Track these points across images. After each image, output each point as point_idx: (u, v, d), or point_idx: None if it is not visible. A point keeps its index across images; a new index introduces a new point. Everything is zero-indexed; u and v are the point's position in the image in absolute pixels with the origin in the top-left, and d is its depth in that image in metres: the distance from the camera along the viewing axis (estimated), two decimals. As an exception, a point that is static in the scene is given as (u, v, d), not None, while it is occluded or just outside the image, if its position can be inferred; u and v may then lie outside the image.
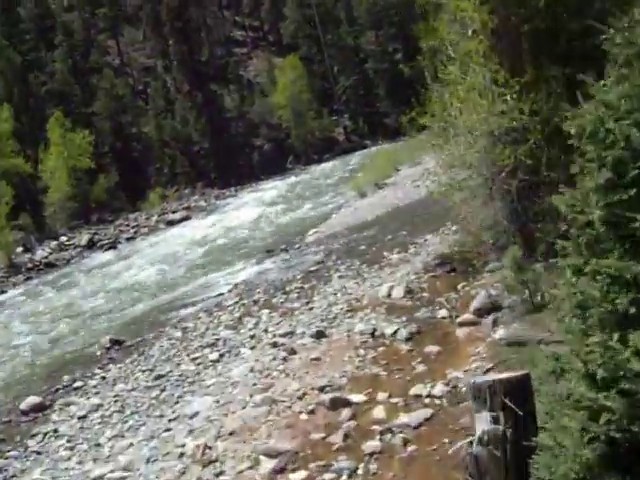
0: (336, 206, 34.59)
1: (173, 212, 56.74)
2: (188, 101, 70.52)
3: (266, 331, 16.47)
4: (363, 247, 23.30)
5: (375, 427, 10.13)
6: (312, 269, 21.93)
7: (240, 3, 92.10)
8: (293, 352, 14.45)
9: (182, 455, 10.93)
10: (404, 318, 14.83)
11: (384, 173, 35.74)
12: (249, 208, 44.55)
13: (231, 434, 11.14)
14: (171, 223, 50.41)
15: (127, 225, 54.43)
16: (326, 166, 62.78)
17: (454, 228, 19.77)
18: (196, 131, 70.19)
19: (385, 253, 21.43)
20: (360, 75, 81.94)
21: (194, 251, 33.20)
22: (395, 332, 14.06)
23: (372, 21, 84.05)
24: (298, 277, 21.21)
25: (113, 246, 44.91)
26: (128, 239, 47.02)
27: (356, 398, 11.36)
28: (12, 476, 12.46)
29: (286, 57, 75.13)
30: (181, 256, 32.92)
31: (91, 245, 46.68)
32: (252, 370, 13.95)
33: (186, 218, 50.63)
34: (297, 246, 26.69)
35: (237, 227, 37.41)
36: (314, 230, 28.54)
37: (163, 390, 14.69)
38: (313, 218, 33.24)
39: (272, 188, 55.12)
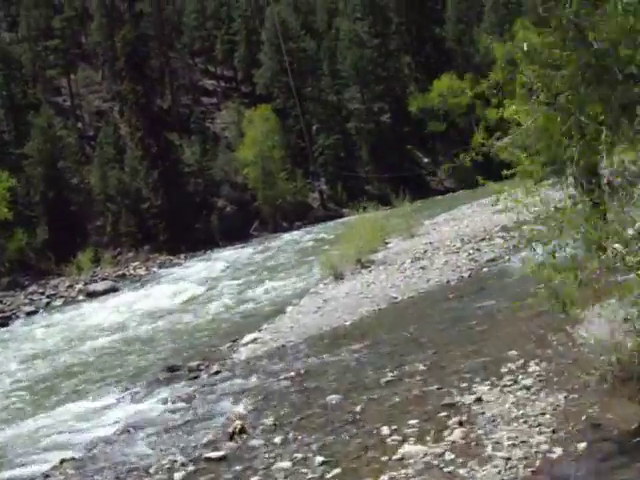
0: (300, 291, 24.16)
1: (103, 279, 46.25)
2: (140, 150, 60.09)
3: None
4: (335, 399, 11.85)
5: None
6: (212, 454, 10.71)
7: (213, 48, 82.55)
8: None
9: None
10: None
11: (369, 246, 25.66)
12: (189, 283, 34.08)
13: None
14: (92, 295, 39.81)
15: (42, 293, 43.73)
16: (296, 235, 52.70)
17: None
18: (147, 185, 59.73)
19: (385, 431, 9.91)
20: (341, 135, 72.39)
21: (78, 348, 22.51)
22: None
23: (357, 76, 74.87)
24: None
25: (2, 323, 33.95)
26: (29, 313, 36.19)
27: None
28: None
29: (257, 106, 65.40)
30: (55, 355, 22.18)
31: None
32: None
33: (112, 290, 40.05)
34: (215, 369, 15.82)
35: (159, 311, 26.95)
36: (253, 336, 17.80)
37: None
38: (263, 308, 22.87)
39: (228, 258, 44.82)
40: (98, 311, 31.35)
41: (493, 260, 20.33)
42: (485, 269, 19.38)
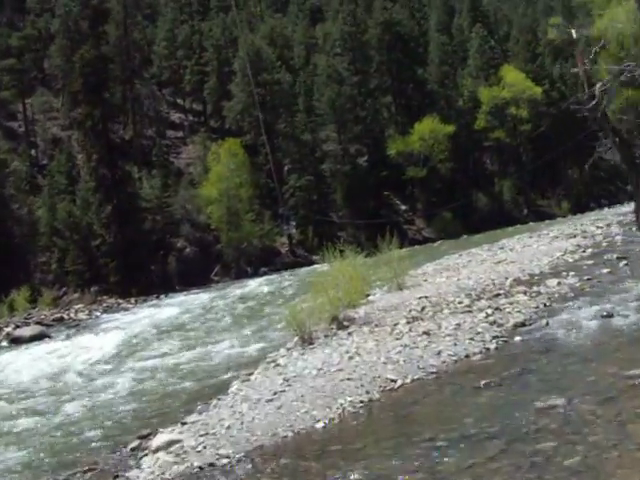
0: (254, 356, 18.54)
1: (37, 323, 40.44)
2: (93, 180, 54.42)
3: None
4: None
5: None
6: None
7: (182, 80, 77.40)
8: None
9: None
10: None
11: (347, 299, 20.25)
12: (124, 335, 28.29)
13: None
14: (17, 341, 33.96)
15: (-38, 336, 37.60)
16: (261, 283, 47.08)
17: None
18: (99, 220, 53.92)
19: None
20: (314, 176, 67.23)
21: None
22: None
23: (334, 114, 69.92)
24: None
25: None
26: None
27: None
28: None
29: (225, 140, 60.09)
30: None
31: None
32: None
33: (41, 336, 34.14)
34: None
35: (70, 374, 21.16)
36: (169, 437, 11.66)
37: None
38: (200, 380, 17.14)
39: (180, 305, 39.14)
40: (10, 364, 25.48)
41: (523, 324, 14.95)
42: (517, 338, 13.93)
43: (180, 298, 44.52)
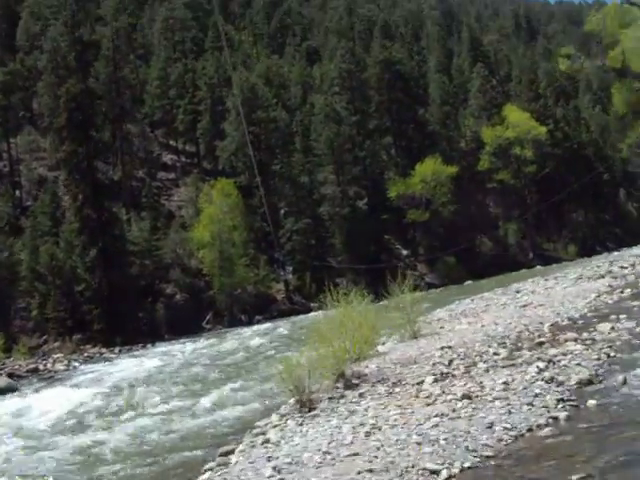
0: (240, 424, 15.05)
1: (9, 374, 37.02)
2: (77, 221, 51.16)
3: None
4: None
5: None
6: None
7: (174, 120, 74.55)
8: None
9: None
10: None
11: (356, 350, 16.80)
12: (95, 390, 24.85)
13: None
14: (-18, 394, 30.39)
15: None
16: (256, 332, 43.82)
17: None
18: (83, 264, 50.55)
19: None
20: (312, 219, 64.02)
21: None
22: None
23: (333, 155, 67.00)
24: None
25: None
26: None
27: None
28: None
29: (217, 181, 57.02)
30: None
31: None
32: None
33: (8, 390, 30.74)
34: None
35: (16, 440, 17.76)
36: None
37: None
38: (168, 458, 13.74)
39: (165, 355, 35.94)
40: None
41: (590, 382, 11.52)
42: (591, 402, 10.45)
43: (167, 348, 41.15)
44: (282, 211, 66.27)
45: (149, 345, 45.85)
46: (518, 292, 29.51)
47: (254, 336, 39.02)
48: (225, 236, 54.61)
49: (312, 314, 54.97)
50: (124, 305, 50.27)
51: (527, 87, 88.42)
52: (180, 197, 67.57)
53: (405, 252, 73.20)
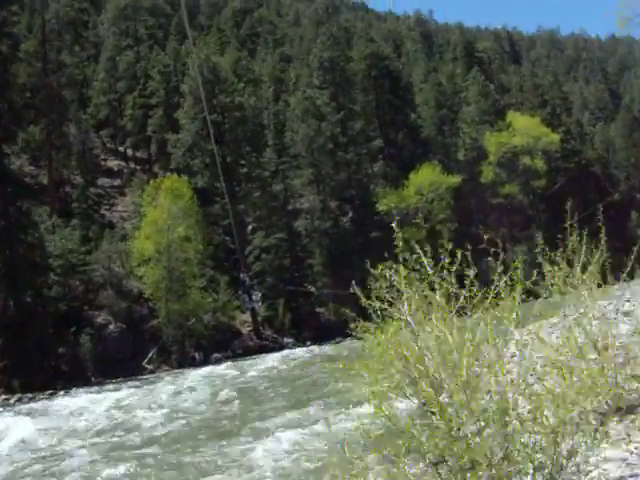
0: None
1: None
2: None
3: None
4: None
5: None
6: None
7: (121, 116, 62.25)
8: None
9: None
10: None
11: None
12: None
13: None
14: None
15: None
16: (214, 375, 31.84)
17: None
18: (-14, 284, 37.81)
19: None
20: (286, 235, 51.77)
21: None
22: None
23: (312, 156, 54.94)
24: None
25: None
26: None
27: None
28: None
29: (166, 177, 44.40)
30: None
31: None
32: None
33: None
34: None
35: None
36: None
37: None
38: None
39: (69, 410, 23.98)
40: None
41: None
42: None
43: (82, 398, 28.79)
44: (250, 225, 54.12)
45: (62, 392, 33.27)
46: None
47: (209, 383, 27.02)
48: (175, 250, 42.16)
49: (287, 352, 42.78)
50: (37, 336, 37.61)
51: (532, 93, 77.39)
52: (125, 207, 55.03)
53: (397, 278, 60.87)
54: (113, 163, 63.83)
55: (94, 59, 70.46)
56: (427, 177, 59.98)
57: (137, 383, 33.78)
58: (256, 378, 28.06)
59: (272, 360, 35.05)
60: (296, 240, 53.28)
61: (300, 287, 49.22)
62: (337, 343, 46.00)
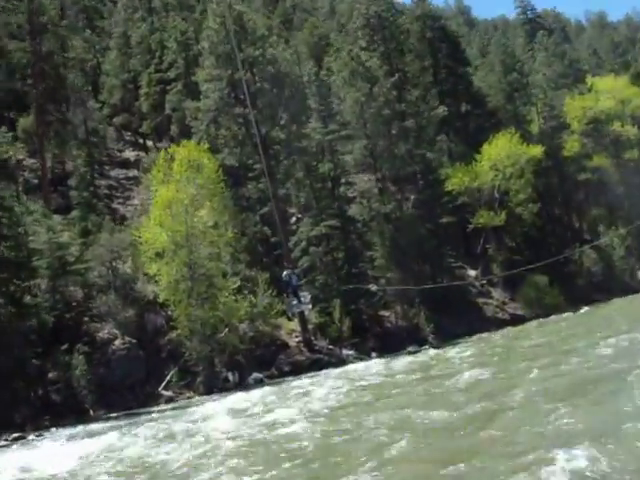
0: None
1: None
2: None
3: None
4: None
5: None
6: None
7: (137, 98, 52.95)
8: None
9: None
10: None
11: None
12: None
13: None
14: None
15: None
16: (252, 404, 22.05)
17: None
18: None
19: None
20: (339, 223, 41.76)
21: None
22: None
23: (363, 127, 44.99)
24: None
25: None
26: None
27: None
28: None
29: (181, 145, 34.32)
30: None
31: None
32: None
33: None
34: None
35: None
36: None
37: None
38: None
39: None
40: None
41: None
42: None
43: (55, 444, 19.17)
44: (292, 211, 44.37)
45: (34, 434, 23.75)
46: None
47: (252, 416, 17.49)
48: (197, 241, 32.28)
49: (349, 367, 32.65)
50: (16, 358, 28.07)
51: (611, 53, 66.43)
52: (143, 200, 45.41)
53: (472, 272, 50.61)
54: (131, 154, 54.44)
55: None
56: (503, 149, 49.60)
57: (149, 418, 24.01)
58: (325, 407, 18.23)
59: (334, 379, 25.15)
60: (351, 228, 43.08)
61: (359, 285, 39.15)
62: (411, 354, 36.04)
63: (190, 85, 47.92)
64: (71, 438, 20.67)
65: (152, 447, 16.47)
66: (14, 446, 21.43)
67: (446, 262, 47.62)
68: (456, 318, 42.91)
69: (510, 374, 18.78)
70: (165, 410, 26.74)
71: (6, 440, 23.30)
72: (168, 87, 49.90)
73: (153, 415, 24.92)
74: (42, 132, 42.92)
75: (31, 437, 23.35)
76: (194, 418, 21.12)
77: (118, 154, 54.32)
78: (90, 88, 55.55)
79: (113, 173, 50.42)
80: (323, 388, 22.31)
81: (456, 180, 48.72)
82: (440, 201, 48.02)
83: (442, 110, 50.77)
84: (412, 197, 47.97)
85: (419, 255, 45.00)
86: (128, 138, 58.24)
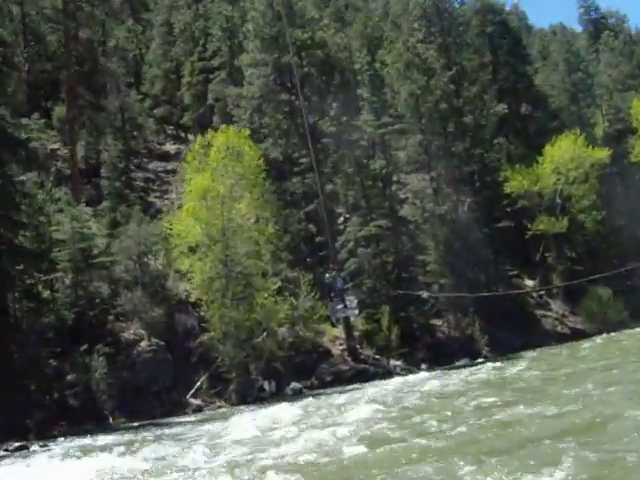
0: None
1: None
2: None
3: None
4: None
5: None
6: None
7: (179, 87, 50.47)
8: None
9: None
10: None
11: None
12: None
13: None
14: None
15: None
16: (300, 412, 18.92)
17: None
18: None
19: None
20: (390, 223, 38.64)
21: None
22: None
23: (417, 122, 42.04)
24: None
25: None
26: None
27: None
28: None
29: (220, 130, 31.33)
30: None
31: None
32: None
33: None
34: None
35: None
36: None
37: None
38: None
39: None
40: None
41: None
42: None
43: (57, 457, 16.47)
44: (339, 210, 41.40)
45: (51, 443, 21.01)
46: None
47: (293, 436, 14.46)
48: (235, 236, 29.34)
49: (398, 379, 29.49)
50: (29, 358, 25.41)
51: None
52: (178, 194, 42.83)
53: (530, 282, 47.12)
54: (171, 147, 51.95)
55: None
56: (567, 151, 46.09)
57: (173, 432, 21.01)
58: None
59: (388, 393, 22.02)
60: (402, 230, 39.93)
61: (410, 291, 35.96)
62: (464, 367, 32.79)
63: (234, 74, 45.23)
64: (76, 451, 17.75)
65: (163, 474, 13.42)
66: (10, 458, 18.59)
67: (502, 270, 44.18)
68: (512, 330, 39.54)
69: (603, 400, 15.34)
70: (192, 422, 23.74)
71: (6, 450, 20.47)
72: (211, 76, 47.22)
73: (178, 429, 21.92)
74: (73, 116, 40.44)
75: (34, 447, 20.49)
76: (225, 433, 18.14)
77: (158, 147, 51.93)
78: (132, 80, 53.83)
79: (151, 166, 48.01)
80: (375, 404, 19.13)
81: (515, 183, 45.26)
82: (498, 204, 44.62)
83: (502, 108, 47.43)
84: (468, 199, 44.70)
85: (474, 261, 41.65)
86: (170, 132, 55.82)
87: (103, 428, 24.52)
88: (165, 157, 49.85)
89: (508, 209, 45.55)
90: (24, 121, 36.62)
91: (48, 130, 39.82)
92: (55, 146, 44.69)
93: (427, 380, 26.06)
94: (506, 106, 48.29)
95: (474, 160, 44.18)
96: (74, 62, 42.33)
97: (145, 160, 48.42)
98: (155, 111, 53.23)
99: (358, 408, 18.70)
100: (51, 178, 37.31)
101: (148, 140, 50.70)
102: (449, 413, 15.60)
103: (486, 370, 27.89)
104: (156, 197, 43.62)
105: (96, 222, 33.00)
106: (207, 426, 21.06)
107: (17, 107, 40.39)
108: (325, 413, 19.11)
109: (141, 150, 48.34)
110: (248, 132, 30.99)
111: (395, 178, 41.33)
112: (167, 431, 21.39)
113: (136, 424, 24.86)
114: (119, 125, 44.58)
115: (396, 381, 28.07)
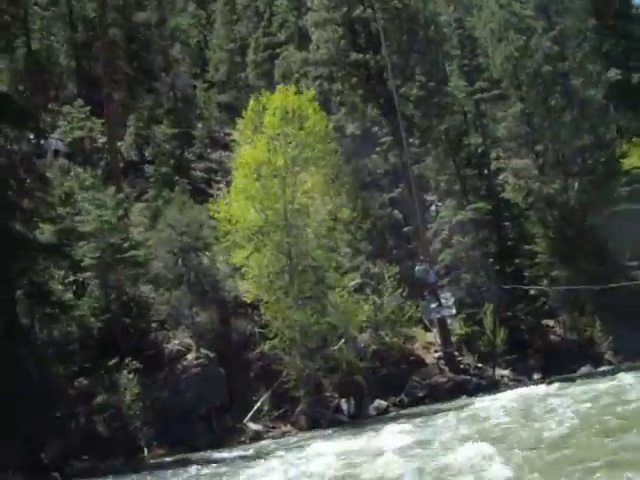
0: None
1: None
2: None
3: None
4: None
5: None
6: None
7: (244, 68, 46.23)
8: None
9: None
10: None
11: None
12: None
13: None
14: None
15: None
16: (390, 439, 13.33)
17: None
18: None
19: None
20: (491, 208, 32.87)
21: None
22: None
23: (518, 89, 36.11)
24: None
25: None
26: None
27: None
28: None
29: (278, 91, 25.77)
30: None
31: None
32: None
33: None
34: None
35: None
36: None
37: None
38: None
39: None
40: None
41: None
42: None
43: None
44: (428, 196, 35.70)
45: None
46: None
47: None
48: (300, 221, 23.83)
49: (510, 394, 23.31)
50: (46, 377, 20.44)
51: None
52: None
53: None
54: (236, 135, 47.46)
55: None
56: None
57: (216, 472, 15.50)
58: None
59: (504, 413, 16.14)
60: (505, 215, 33.95)
61: (518, 286, 29.89)
62: (589, 377, 26.57)
63: (303, 47, 40.18)
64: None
65: None
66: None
67: (624, 260, 37.66)
68: (640, 331, 33.28)
69: None
70: (252, 456, 18.13)
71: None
72: (278, 50, 42.45)
73: (225, 468, 16.38)
74: (109, 91, 35.63)
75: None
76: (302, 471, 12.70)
77: (222, 135, 47.59)
78: (199, 71, 49.99)
79: (214, 156, 43.45)
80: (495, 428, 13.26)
81: (635, 159, 38.86)
82: (615, 184, 38.12)
83: (614, 73, 40.96)
84: (579, 179, 38.32)
85: (590, 250, 35.24)
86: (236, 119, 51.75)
87: (134, 464, 19.27)
88: (229, 147, 45.68)
89: (627, 189, 39.22)
90: (66, 109, 32.55)
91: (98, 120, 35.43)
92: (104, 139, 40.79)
93: (551, 395, 19.99)
94: (619, 71, 41.87)
95: (586, 132, 37.78)
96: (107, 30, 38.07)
97: (209, 151, 44.02)
98: (219, 97, 49.02)
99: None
100: (99, 172, 32.82)
101: (213, 130, 46.43)
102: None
103: (627, 381, 21.63)
104: (219, 189, 39.08)
105: (140, 214, 27.98)
106: (273, 462, 15.50)
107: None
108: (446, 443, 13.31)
109: (205, 140, 44.03)
110: (313, 92, 25.38)
111: (494, 154, 35.35)
112: (223, 469, 16.06)
113: (178, 458, 19.53)
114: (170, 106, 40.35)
115: (508, 396, 22.04)
